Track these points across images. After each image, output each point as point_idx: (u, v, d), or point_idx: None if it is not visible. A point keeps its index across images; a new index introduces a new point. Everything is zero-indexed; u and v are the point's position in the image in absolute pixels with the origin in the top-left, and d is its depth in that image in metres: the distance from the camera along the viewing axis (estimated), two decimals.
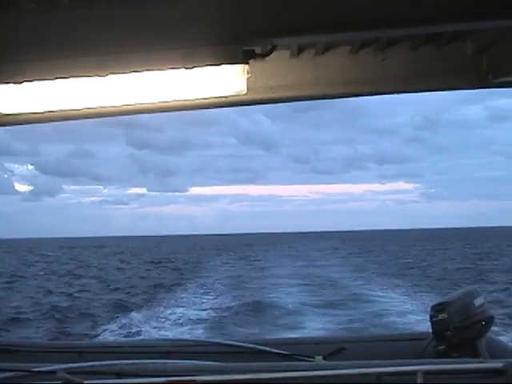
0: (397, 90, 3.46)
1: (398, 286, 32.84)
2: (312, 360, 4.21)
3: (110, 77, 2.55)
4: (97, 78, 2.55)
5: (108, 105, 2.84)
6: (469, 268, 46.43)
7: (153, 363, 3.94)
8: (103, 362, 3.77)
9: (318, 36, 2.70)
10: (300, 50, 3.17)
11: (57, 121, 3.23)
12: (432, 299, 26.15)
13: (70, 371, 3.50)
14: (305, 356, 4.24)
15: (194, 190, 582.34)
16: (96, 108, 2.88)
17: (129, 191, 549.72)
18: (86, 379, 3.39)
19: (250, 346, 4.39)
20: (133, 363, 3.84)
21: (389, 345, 4.44)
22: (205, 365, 3.91)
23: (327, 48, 3.18)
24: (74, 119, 3.21)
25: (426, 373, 3.38)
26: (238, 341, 4.57)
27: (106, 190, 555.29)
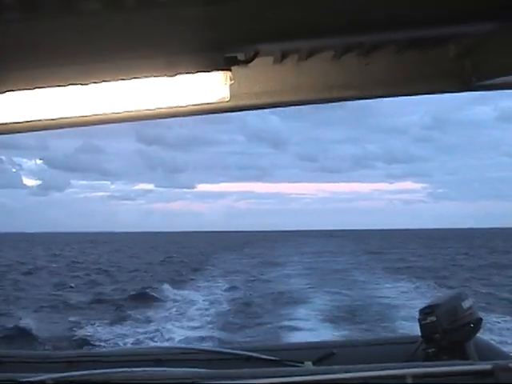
0: (381, 95, 3.47)
1: (397, 278, 36.82)
2: (301, 365, 4.21)
3: (92, 85, 2.55)
4: (79, 86, 2.55)
5: (90, 114, 2.84)
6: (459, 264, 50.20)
7: (143, 371, 3.93)
8: (93, 372, 3.76)
9: (301, 41, 2.71)
10: (283, 55, 3.17)
11: (39, 130, 3.22)
12: (424, 285, 29.28)
13: (59, 381, 3.48)
14: (294, 361, 4.24)
15: (202, 187, 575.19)
16: (79, 117, 2.88)
17: (136, 187, 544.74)
18: None
19: (239, 352, 4.38)
20: (123, 371, 3.82)
21: (378, 349, 4.44)
22: (195, 372, 3.90)
23: (310, 53, 3.18)
24: (56, 128, 3.21)
25: (415, 376, 3.39)
26: (227, 347, 4.57)
27: (113, 186, 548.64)
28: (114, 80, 2.55)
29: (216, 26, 2.51)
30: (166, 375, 3.80)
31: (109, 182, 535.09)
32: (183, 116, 3.21)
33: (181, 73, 2.50)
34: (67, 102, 2.70)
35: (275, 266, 47.62)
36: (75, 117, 2.88)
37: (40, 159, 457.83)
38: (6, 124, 2.92)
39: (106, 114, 2.89)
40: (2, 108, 2.69)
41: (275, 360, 4.27)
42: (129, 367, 3.96)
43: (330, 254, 64.95)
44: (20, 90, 2.56)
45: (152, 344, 18.41)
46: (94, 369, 3.81)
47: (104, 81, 2.55)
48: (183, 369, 3.97)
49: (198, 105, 2.81)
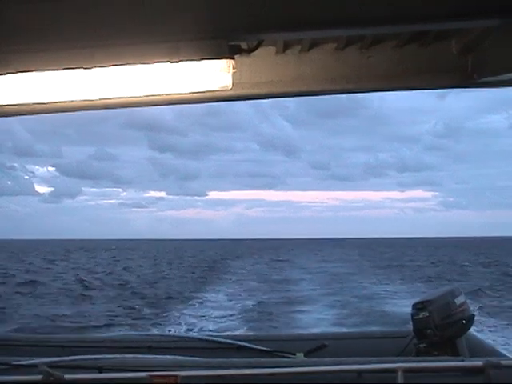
0: (381, 88, 3.47)
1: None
2: (293, 356, 4.23)
3: (96, 70, 2.54)
4: (82, 70, 2.53)
5: (93, 98, 2.83)
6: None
7: (134, 358, 3.94)
8: (85, 357, 3.76)
9: (304, 32, 2.70)
10: (286, 46, 3.17)
11: (41, 113, 3.21)
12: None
13: (52, 365, 3.48)
14: (286, 352, 4.25)
15: (213, 195, 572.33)
16: (81, 101, 2.87)
17: (147, 194, 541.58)
18: (68, 373, 3.38)
19: (231, 342, 4.39)
20: (114, 358, 3.83)
21: (370, 342, 4.46)
22: (186, 360, 3.91)
23: (312, 45, 3.19)
24: (58, 112, 3.20)
25: (406, 370, 3.40)
26: (219, 337, 4.57)
27: (124, 193, 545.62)
28: (115, 65, 2.54)
29: (221, 14, 2.50)
30: (157, 362, 3.81)
31: (120, 190, 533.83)
32: (186, 103, 3.20)
33: (185, 59, 2.49)
34: (68, 86, 2.69)
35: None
36: (76, 101, 2.87)
37: (52, 166, 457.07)
38: (8, 106, 2.90)
39: (107, 99, 2.88)
40: (3, 90, 2.68)
41: (267, 350, 4.28)
42: (120, 354, 3.97)
43: (338, 261, 64.42)
44: (20, 72, 2.54)
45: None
46: (86, 354, 3.82)
47: (105, 66, 2.54)
48: (173, 356, 3.98)
49: (201, 92, 2.80)
